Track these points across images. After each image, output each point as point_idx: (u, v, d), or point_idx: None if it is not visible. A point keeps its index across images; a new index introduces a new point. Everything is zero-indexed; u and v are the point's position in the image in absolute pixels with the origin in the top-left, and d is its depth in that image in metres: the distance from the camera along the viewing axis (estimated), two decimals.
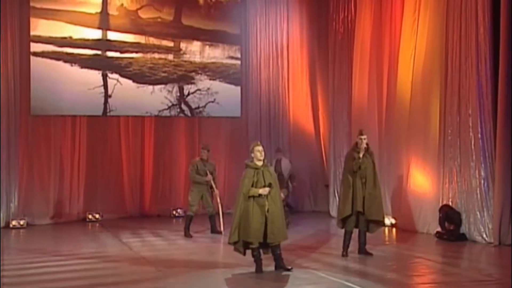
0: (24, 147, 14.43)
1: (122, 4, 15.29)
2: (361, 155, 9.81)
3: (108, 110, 15.14)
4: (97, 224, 14.38)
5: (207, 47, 16.09)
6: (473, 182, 11.22)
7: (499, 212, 10.71)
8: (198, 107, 15.93)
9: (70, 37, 14.84)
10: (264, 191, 8.62)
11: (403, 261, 9.82)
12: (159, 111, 15.57)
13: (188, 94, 15.86)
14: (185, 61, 15.89)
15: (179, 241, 11.97)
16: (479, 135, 11.13)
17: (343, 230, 10.10)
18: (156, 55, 15.62)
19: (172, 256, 10.33)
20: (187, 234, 12.22)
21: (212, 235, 12.39)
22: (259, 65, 16.44)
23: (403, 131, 13.04)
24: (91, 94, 14.95)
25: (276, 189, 8.82)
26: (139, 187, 15.55)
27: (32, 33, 14.51)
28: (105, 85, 15.12)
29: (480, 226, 11.10)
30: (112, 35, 15.24)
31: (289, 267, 8.87)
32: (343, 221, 9.99)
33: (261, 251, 8.86)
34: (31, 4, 14.48)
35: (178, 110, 15.80)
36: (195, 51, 15.99)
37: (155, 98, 15.51)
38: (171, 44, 15.80)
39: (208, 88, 15.99)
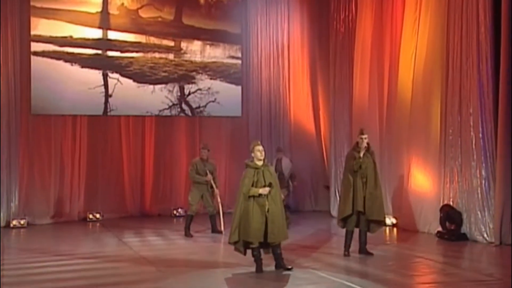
0: (25, 147, 14.42)
1: (122, 4, 15.28)
2: (361, 155, 9.79)
3: (108, 110, 15.13)
4: (98, 224, 14.37)
5: (207, 46, 16.08)
6: (474, 181, 11.21)
7: (500, 211, 10.69)
8: (199, 107, 15.91)
9: (71, 37, 14.83)
10: (264, 190, 8.62)
11: (404, 261, 9.80)
12: (160, 110, 15.56)
13: (189, 94, 15.85)
14: (186, 61, 15.88)
15: (179, 240, 11.96)
16: (480, 135, 11.12)
17: (344, 230, 10.09)
18: (157, 55, 15.61)
19: (173, 256, 10.32)
20: (188, 234, 12.21)
21: (213, 235, 12.38)
22: (260, 64, 16.43)
23: (404, 130, 13.03)
24: (91, 94, 14.94)
25: (277, 189, 8.81)
26: (140, 186, 15.54)
27: (32, 32, 14.50)
28: (106, 85, 15.11)
29: (481, 225, 11.09)
30: (112, 35, 15.22)
31: (289, 267, 8.87)
32: (344, 221, 9.98)
33: (261, 251, 8.85)
34: (32, 3, 14.47)
35: (179, 109, 15.79)
36: (195, 51, 15.98)
37: (156, 97, 15.50)
38: (171, 43, 15.79)
39: (209, 88, 15.98)
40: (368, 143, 9.90)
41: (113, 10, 15.19)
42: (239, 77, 16.27)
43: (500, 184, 10.70)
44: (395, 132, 13.36)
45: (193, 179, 12.52)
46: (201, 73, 15.96)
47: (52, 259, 10.07)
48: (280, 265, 8.88)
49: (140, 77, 15.42)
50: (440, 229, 11.70)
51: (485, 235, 11.01)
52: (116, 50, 15.24)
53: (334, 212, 14.54)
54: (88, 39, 15.00)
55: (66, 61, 14.75)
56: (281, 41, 16.58)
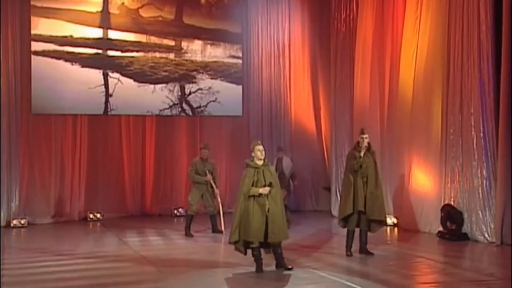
0: (25, 146, 14.42)
1: (123, 3, 15.27)
2: (362, 154, 9.76)
3: (109, 109, 15.12)
4: (98, 224, 14.37)
5: (208, 46, 16.06)
6: (475, 181, 11.18)
7: (501, 211, 10.66)
8: (200, 106, 15.89)
9: (71, 36, 14.82)
10: (264, 190, 8.60)
11: (405, 261, 9.78)
12: (160, 110, 15.55)
13: (190, 93, 15.84)
14: (187, 60, 15.87)
15: (180, 240, 11.95)
16: (481, 134, 11.10)
17: (344, 230, 10.08)
18: (157, 54, 15.59)
19: (173, 256, 10.30)
20: (188, 234, 12.19)
21: (213, 235, 12.37)
22: (261, 64, 16.41)
23: (405, 130, 13.01)
24: (92, 93, 14.93)
25: (277, 189, 8.79)
26: (140, 186, 15.54)
27: (32, 32, 14.49)
28: (106, 84, 15.10)
29: (482, 225, 11.06)
30: (113, 34, 15.21)
31: (290, 267, 8.85)
32: (345, 220, 9.95)
33: (261, 250, 8.84)
34: (32, 2, 14.46)
35: (179, 109, 15.77)
36: (196, 50, 15.96)
37: (156, 97, 15.49)
38: (172, 43, 15.77)
39: (210, 87, 15.96)
40: (369, 143, 9.87)
41: (113, 9, 15.18)
42: (240, 77, 16.25)
43: (501, 183, 10.67)
44: (396, 131, 13.34)
45: (193, 179, 12.51)
46: (202, 73, 15.94)
47: (52, 259, 10.06)
48: (281, 264, 8.87)
49: (141, 77, 15.41)
50: (441, 229, 11.68)
51: (486, 235, 10.99)
52: (117, 50, 15.22)
53: (335, 212, 14.52)
54: (89, 39, 14.99)
55: (66, 60, 14.74)
56: (282, 41, 16.56)
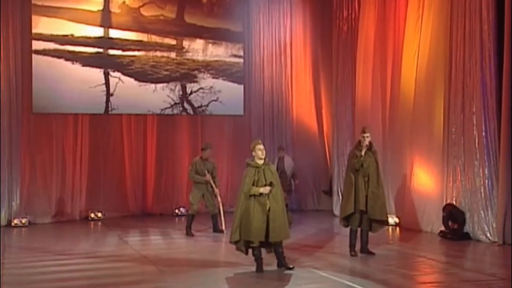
0: (26, 146, 14.40)
1: (124, 2, 15.24)
2: (363, 153, 9.73)
3: (110, 109, 15.09)
4: (100, 223, 14.34)
5: (210, 45, 16.03)
6: (477, 181, 11.16)
7: (503, 211, 10.64)
8: (201, 106, 15.87)
9: (72, 35, 14.79)
10: (265, 190, 8.59)
11: (406, 260, 9.76)
12: (162, 109, 15.52)
13: (191, 93, 15.81)
14: (188, 59, 15.84)
15: (181, 240, 11.94)
16: (483, 134, 11.08)
17: (346, 230, 10.07)
18: (159, 53, 15.56)
19: (174, 255, 10.29)
20: (189, 233, 12.18)
21: (214, 234, 12.35)
22: (262, 63, 16.38)
23: (406, 129, 12.99)
24: (92, 92, 14.90)
25: (278, 188, 8.77)
26: (142, 185, 15.52)
27: (33, 31, 14.46)
28: (107, 83, 15.07)
29: (484, 225, 11.04)
30: (114, 33, 15.18)
31: (291, 266, 8.84)
32: (346, 220, 9.93)
33: (262, 250, 8.81)
34: (33, 1, 14.43)
35: (181, 108, 15.75)
36: (197, 49, 15.94)
37: (158, 96, 15.46)
38: (173, 42, 15.75)
39: (211, 87, 15.94)
40: (370, 142, 9.85)
41: (114, 8, 15.15)
42: (241, 76, 16.22)
43: (503, 183, 10.65)
44: (398, 130, 13.31)
45: (193, 179, 12.50)
46: (203, 72, 15.91)
47: (53, 258, 10.05)
48: (282, 264, 8.86)
49: (142, 76, 15.38)
50: (443, 228, 11.65)
51: (488, 235, 10.97)
52: (118, 49, 15.20)
53: (337, 211, 14.48)
54: (90, 38, 14.96)
55: (67, 59, 14.72)
56: (283, 40, 16.53)
